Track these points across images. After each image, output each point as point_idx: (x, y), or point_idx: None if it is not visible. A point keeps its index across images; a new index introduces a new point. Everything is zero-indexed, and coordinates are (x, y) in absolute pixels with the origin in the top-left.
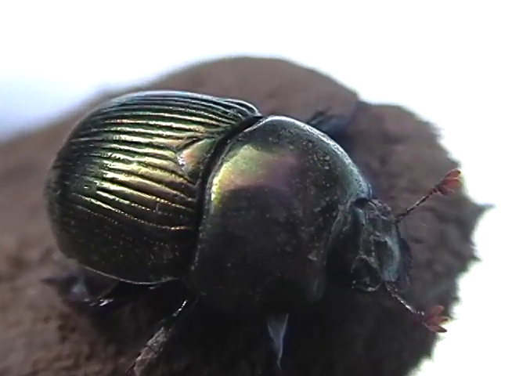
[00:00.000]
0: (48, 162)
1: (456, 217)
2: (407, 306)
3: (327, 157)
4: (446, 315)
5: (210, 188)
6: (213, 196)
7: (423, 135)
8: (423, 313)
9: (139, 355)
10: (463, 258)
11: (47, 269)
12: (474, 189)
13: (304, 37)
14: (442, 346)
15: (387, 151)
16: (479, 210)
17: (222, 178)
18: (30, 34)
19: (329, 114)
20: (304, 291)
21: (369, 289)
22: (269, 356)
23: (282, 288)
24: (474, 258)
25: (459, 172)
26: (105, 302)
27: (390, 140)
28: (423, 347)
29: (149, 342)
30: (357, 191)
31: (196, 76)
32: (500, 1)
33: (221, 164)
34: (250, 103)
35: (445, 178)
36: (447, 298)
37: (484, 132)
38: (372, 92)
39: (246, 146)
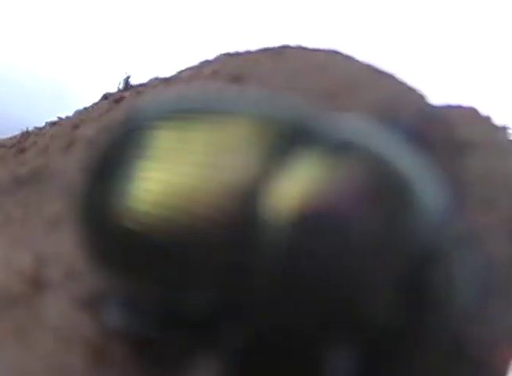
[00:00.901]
0: (70, 171)
1: None
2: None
3: (410, 177)
4: None
5: (267, 213)
6: (273, 221)
7: (498, 143)
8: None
9: None
10: None
11: (72, 289)
12: None
13: (362, 29)
14: None
15: (458, 160)
16: None
17: (285, 201)
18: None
19: (394, 119)
20: (376, 316)
21: (439, 318)
22: None
23: (351, 314)
24: None
25: None
26: (147, 326)
27: (461, 151)
28: None
29: None
30: (438, 216)
31: (229, 70)
32: None
33: (282, 181)
34: (305, 105)
35: None
36: None
37: None
38: (441, 94)
39: (313, 162)
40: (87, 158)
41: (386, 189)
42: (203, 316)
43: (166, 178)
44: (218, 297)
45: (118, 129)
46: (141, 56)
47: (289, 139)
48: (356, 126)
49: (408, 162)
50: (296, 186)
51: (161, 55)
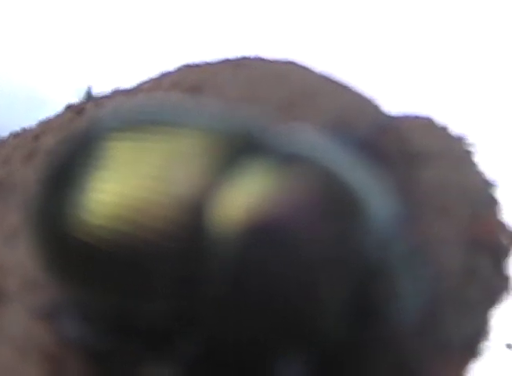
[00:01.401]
0: (30, 182)
1: (488, 246)
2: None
3: (362, 185)
4: (473, 355)
5: (218, 225)
6: (223, 234)
7: (454, 153)
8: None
9: None
10: (496, 291)
11: (29, 299)
12: (509, 214)
13: (317, 40)
14: None
15: (411, 176)
16: None
17: (234, 213)
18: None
19: (348, 131)
20: (324, 330)
21: (383, 330)
22: None
23: (301, 328)
24: (506, 291)
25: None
26: (101, 337)
27: (415, 162)
28: None
29: None
30: (386, 224)
31: (189, 80)
32: None
33: (232, 192)
34: (257, 116)
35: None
36: (475, 335)
37: None
38: (395, 103)
39: (262, 172)
40: (42, 168)
41: (333, 202)
42: (155, 327)
43: (118, 190)
44: (169, 308)
45: (73, 140)
46: (107, 66)
47: (237, 151)
48: (306, 138)
49: (358, 174)
50: (242, 197)
51: (126, 66)
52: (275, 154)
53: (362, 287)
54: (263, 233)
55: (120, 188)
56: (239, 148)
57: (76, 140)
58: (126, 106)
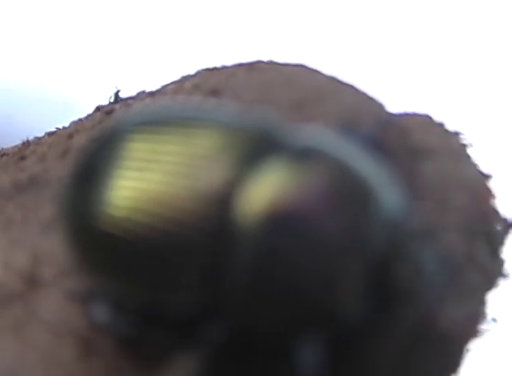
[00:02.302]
0: (62, 176)
1: (486, 233)
2: None
3: (370, 176)
4: (475, 333)
5: (239, 216)
6: (245, 224)
7: (451, 148)
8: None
9: None
10: (493, 275)
11: (64, 286)
12: (503, 203)
13: (323, 43)
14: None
15: (413, 169)
16: (509, 225)
17: (255, 204)
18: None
19: (355, 128)
20: (345, 311)
21: (407, 308)
22: None
23: (322, 310)
24: (502, 275)
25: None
26: (130, 323)
27: (416, 156)
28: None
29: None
30: (398, 213)
31: (208, 84)
32: None
33: (252, 186)
34: (274, 117)
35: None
36: (475, 316)
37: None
38: (398, 102)
39: (280, 167)
40: (72, 166)
41: (347, 192)
42: (182, 315)
43: (144, 185)
44: (195, 297)
45: (99, 139)
46: (134, 70)
47: (257, 147)
48: (319, 135)
49: (368, 167)
50: (263, 190)
51: (151, 69)
52: (292, 150)
53: (381, 268)
54: (284, 223)
55: (147, 183)
56: (258, 144)
57: (102, 139)
58: (149, 107)
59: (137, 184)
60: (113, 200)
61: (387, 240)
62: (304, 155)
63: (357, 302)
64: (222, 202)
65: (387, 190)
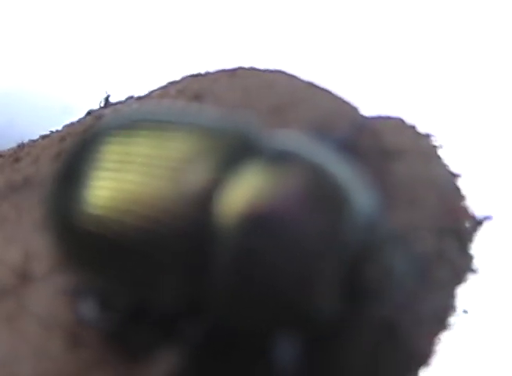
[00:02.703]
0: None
1: (454, 230)
2: None
3: (343, 179)
4: (445, 327)
5: (219, 217)
6: (224, 225)
7: (422, 149)
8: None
9: None
10: (462, 270)
11: (53, 282)
12: (472, 200)
13: (299, 49)
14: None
15: (385, 170)
16: (477, 222)
17: (234, 205)
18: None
19: (329, 132)
20: (319, 309)
21: (376, 307)
22: None
23: (298, 307)
24: (471, 270)
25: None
26: (115, 320)
27: (388, 158)
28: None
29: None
30: (370, 212)
31: (191, 89)
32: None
33: (231, 187)
34: (252, 120)
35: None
36: (445, 310)
37: (481, 141)
38: (371, 105)
39: (258, 169)
40: (55, 168)
41: (321, 194)
42: (164, 313)
43: (116, 185)
44: (176, 296)
45: (81, 141)
46: (127, 76)
47: (235, 150)
48: (295, 140)
49: (340, 169)
50: (241, 193)
51: (139, 76)
52: (268, 153)
53: (354, 269)
54: (261, 224)
55: (122, 182)
56: (235, 147)
57: (82, 142)
58: (127, 111)
59: (113, 184)
60: (91, 199)
61: (360, 241)
62: (280, 158)
63: (330, 302)
64: (203, 203)
65: (360, 193)
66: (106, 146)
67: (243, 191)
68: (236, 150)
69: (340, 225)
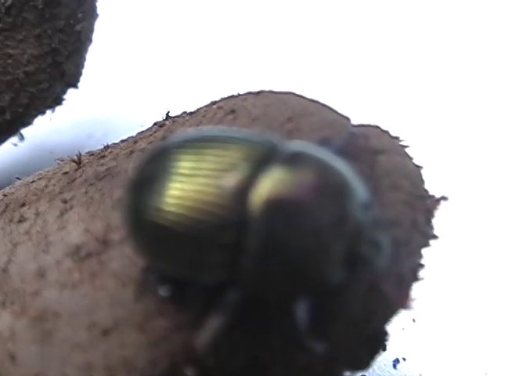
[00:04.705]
0: (127, 169)
1: (423, 207)
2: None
3: (342, 174)
4: (416, 279)
5: (250, 205)
6: (254, 211)
7: (395, 147)
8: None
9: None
10: (428, 237)
11: (126, 247)
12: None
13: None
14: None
15: (373, 160)
16: (437, 201)
17: (260, 196)
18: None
19: (331, 139)
20: (328, 277)
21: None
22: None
23: (313, 276)
24: (434, 237)
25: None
26: (164, 293)
27: (375, 152)
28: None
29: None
30: (363, 199)
31: (228, 106)
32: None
33: (258, 183)
34: (273, 133)
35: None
36: (417, 267)
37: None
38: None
39: (277, 169)
40: (134, 169)
41: (329, 184)
42: (212, 283)
43: (186, 187)
44: (222, 270)
45: (155, 152)
46: (181, 97)
47: (262, 157)
48: (305, 146)
49: (341, 166)
50: (266, 185)
51: (191, 95)
52: (286, 156)
53: (353, 243)
54: (282, 207)
55: (190, 185)
56: (264, 154)
57: (156, 153)
58: (188, 132)
59: (183, 186)
60: (164, 197)
61: (358, 222)
62: (295, 159)
63: (337, 269)
64: (240, 197)
65: (356, 185)
66: (178, 156)
67: (267, 184)
68: (264, 156)
69: (343, 209)
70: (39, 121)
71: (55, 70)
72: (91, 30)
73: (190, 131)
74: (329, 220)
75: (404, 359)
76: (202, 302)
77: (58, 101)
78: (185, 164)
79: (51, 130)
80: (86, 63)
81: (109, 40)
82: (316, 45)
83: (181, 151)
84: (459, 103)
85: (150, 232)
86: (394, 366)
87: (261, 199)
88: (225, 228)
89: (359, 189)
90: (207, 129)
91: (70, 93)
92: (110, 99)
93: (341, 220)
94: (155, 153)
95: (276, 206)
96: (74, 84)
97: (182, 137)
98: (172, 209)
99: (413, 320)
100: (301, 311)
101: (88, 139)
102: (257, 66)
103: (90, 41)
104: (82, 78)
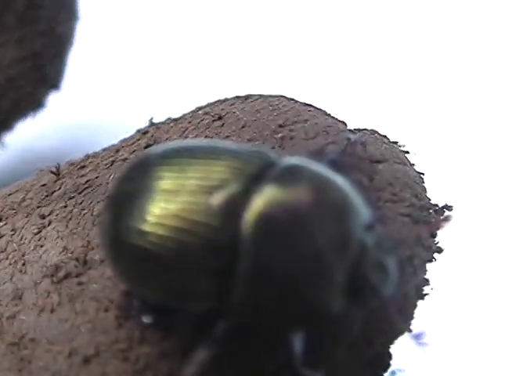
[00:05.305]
0: (108, 181)
1: (425, 220)
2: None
3: (342, 192)
4: (421, 297)
5: (242, 226)
6: (246, 232)
7: (395, 154)
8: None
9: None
10: (432, 251)
11: (107, 267)
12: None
13: (295, 79)
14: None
15: (372, 170)
16: (440, 211)
17: (253, 215)
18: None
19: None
20: (329, 306)
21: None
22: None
23: (311, 305)
24: (438, 250)
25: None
26: (147, 320)
27: (373, 161)
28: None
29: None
30: (365, 218)
31: (215, 111)
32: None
33: (251, 202)
34: (265, 146)
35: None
36: (422, 284)
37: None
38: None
39: (271, 186)
40: (113, 185)
41: (325, 200)
42: (199, 309)
43: (168, 206)
44: (210, 298)
45: (135, 166)
46: (164, 103)
47: (256, 170)
48: (299, 159)
49: (339, 180)
50: (258, 205)
51: (175, 101)
52: (280, 171)
53: (355, 266)
54: (275, 223)
55: (173, 203)
56: (257, 168)
57: (136, 168)
58: (171, 142)
59: (167, 204)
60: (144, 216)
61: (359, 242)
62: (289, 173)
63: (337, 297)
64: (230, 217)
65: (356, 200)
66: (161, 172)
67: (261, 202)
68: (257, 171)
69: (345, 230)
70: (22, 127)
71: (37, 74)
72: (73, 33)
73: (174, 143)
74: (330, 242)
75: (400, 370)
76: (189, 329)
77: (40, 104)
78: (168, 180)
79: (35, 135)
80: (69, 67)
81: (92, 43)
82: (305, 42)
83: (164, 165)
84: (458, 105)
85: (130, 255)
86: None
87: (254, 219)
88: (213, 251)
89: (361, 208)
90: (193, 140)
91: (54, 98)
92: (95, 102)
93: (343, 242)
94: (135, 166)
95: (271, 227)
96: (57, 87)
97: (166, 149)
98: (154, 230)
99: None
100: (298, 342)
101: (73, 143)
102: (244, 68)
103: (72, 43)
104: (65, 82)
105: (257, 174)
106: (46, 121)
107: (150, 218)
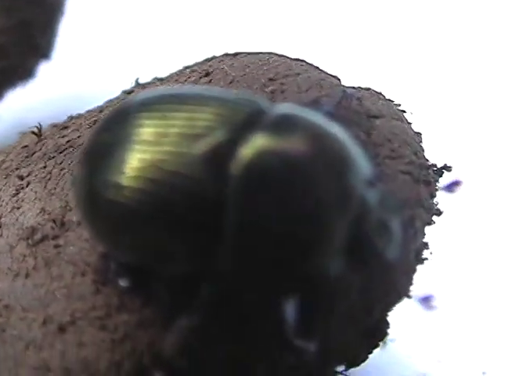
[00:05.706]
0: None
1: (425, 179)
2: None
3: (341, 142)
4: (421, 262)
5: (230, 178)
6: (234, 184)
7: (392, 111)
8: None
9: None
10: (432, 212)
11: (84, 229)
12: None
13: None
14: None
15: (369, 125)
16: (439, 171)
17: (243, 166)
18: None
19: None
20: (326, 265)
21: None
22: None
23: (307, 264)
24: (438, 212)
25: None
26: (125, 284)
27: (370, 116)
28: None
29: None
30: (367, 172)
31: (203, 68)
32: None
33: (240, 151)
34: (255, 94)
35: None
36: (422, 248)
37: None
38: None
39: (264, 135)
40: (89, 137)
41: (328, 153)
42: (181, 272)
43: (149, 157)
44: (194, 259)
45: (112, 116)
46: (150, 62)
47: (246, 118)
48: (292, 107)
49: (341, 134)
50: (250, 148)
51: (163, 61)
52: (272, 118)
53: (358, 222)
54: (272, 179)
55: (155, 154)
56: (247, 115)
57: (114, 118)
58: (153, 90)
59: (146, 156)
60: (121, 169)
61: (362, 199)
62: (281, 122)
63: (337, 256)
64: (216, 167)
65: (358, 155)
66: (141, 121)
67: (251, 150)
68: (247, 119)
69: (346, 181)
70: (13, 99)
71: (27, 43)
72: (64, 2)
73: (157, 89)
74: (330, 195)
75: (391, 340)
76: (170, 295)
77: (31, 74)
78: (148, 130)
79: (25, 107)
80: (59, 37)
81: (82, 12)
82: (295, 3)
83: (143, 114)
84: (454, 66)
85: (107, 212)
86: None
87: (244, 169)
88: (197, 205)
89: (362, 161)
90: (175, 87)
91: (44, 69)
92: (86, 72)
93: (344, 196)
94: (113, 116)
95: (263, 178)
96: (47, 57)
97: (147, 96)
98: (133, 184)
99: None
100: (291, 308)
101: (65, 115)
102: (234, 28)
103: (63, 13)
104: (56, 53)
105: (248, 121)
106: (37, 93)
107: (128, 171)
